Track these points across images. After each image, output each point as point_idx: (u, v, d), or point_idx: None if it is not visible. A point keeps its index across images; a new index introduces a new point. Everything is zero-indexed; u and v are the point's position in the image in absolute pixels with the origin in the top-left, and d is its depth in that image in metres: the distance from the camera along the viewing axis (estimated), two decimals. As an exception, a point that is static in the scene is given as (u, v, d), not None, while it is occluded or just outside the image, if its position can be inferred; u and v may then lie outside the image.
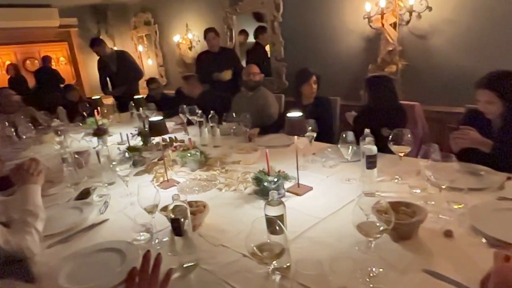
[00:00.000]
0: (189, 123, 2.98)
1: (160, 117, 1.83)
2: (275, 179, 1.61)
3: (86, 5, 6.96)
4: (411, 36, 2.92)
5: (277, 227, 0.94)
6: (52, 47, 7.43)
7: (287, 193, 1.67)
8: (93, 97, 3.79)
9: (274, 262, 0.93)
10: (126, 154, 1.80)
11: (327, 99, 2.86)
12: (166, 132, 1.84)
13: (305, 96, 2.85)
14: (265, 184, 1.61)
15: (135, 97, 3.28)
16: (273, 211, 1.04)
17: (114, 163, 1.75)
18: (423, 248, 1.16)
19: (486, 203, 1.37)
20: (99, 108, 3.40)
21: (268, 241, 0.93)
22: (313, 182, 1.76)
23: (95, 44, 4.69)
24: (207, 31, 3.95)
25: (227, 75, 3.97)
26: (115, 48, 6.12)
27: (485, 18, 2.54)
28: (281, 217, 1.05)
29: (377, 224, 1.05)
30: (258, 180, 1.66)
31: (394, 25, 2.93)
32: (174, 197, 1.13)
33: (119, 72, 4.73)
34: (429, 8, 2.72)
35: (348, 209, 1.33)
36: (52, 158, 2.54)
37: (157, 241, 1.35)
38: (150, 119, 1.80)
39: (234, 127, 2.70)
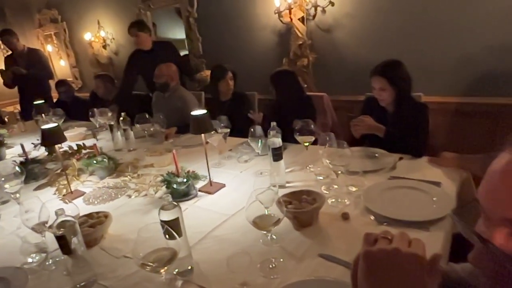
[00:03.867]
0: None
1: (55, 124, 1.66)
2: (185, 180, 1.57)
3: (-23, 1, 6.11)
4: (318, 30, 3.06)
5: (167, 235, 0.90)
6: None
7: (199, 193, 1.65)
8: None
9: (165, 268, 0.90)
10: (17, 168, 1.62)
11: (244, 94, 2.89)
12: (63, 139, 1.69)
13: (222, 92, 2.84)
14: (175, 186, 1.57)
15: (35, 102, 2.96)
16: (167, 216, 1.01)
17: (2, 179, 1.56)
18: (321, 233, 1.22)
19: (378, 183, 1.48)
20: (-7, 117, 3.01)
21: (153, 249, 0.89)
22: (226, 179, 1.76)
23: (6, 33, 4.16)
24: (128, 29, 3.51)
25: None
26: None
27: (379, 12, 2.76)
28: (176, 221, 1.02)
29: (274, 215, 1.07)
30: (168, 183, 1.61)
31: (302, 20, 3.05)
32: (58, 212, 1.03)
33: (29, 72, 4.25)
34: (332, 3, 2.88)
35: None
36: None
37: (51, 261, 1.23)
38: (42, 127, 1.63)
39: (151, 128, 2.59)
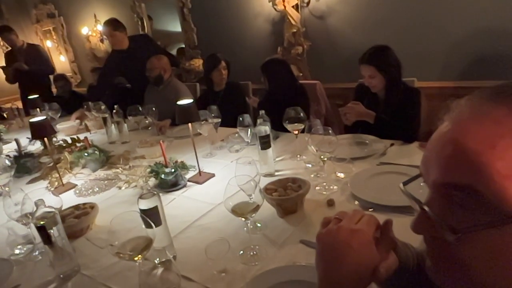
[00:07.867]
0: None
1: (43, 117, 1.66)
2: (172, 170, 1.57)
3: (-26, -2, 6.12)
4: (312, 17, 3.02)
5: (143, 224, 0.90)
6: None
7: (189, 183, 1.64)
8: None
9: (139, 256, 0.90)
10: (7, 162, 1.63)
11: (238, 84, 2.86)
12: (52, 132, 1.69)
13: (216, 82, 2.81)
14: (163, 176, 1.56)
15: (29, 97, 2.97)
16: (146, 204, 1.00)
17: (-8, 173, 1.58)
18: (305, 220, 1.21)
19: (367, 169, 1.47)
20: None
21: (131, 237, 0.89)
22: (216, 168, 1.75)
23: (4, 30, 4.15)
24: (103, 28, 3.27)
25: None
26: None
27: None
28: (155, 209, 1.01)
29: (254, 202, 1.06)
30: (156, 173, 1.60)
31: (296, 7, 3.00)
32: (37, 203, 1.03)
33: (31, 68, 4.23)
34: (325, -11, 2.84)
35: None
36: None
37: (37, 252, 1.24)
38: (30, 120, 1.64)
39: (147, 121, 2.59)
